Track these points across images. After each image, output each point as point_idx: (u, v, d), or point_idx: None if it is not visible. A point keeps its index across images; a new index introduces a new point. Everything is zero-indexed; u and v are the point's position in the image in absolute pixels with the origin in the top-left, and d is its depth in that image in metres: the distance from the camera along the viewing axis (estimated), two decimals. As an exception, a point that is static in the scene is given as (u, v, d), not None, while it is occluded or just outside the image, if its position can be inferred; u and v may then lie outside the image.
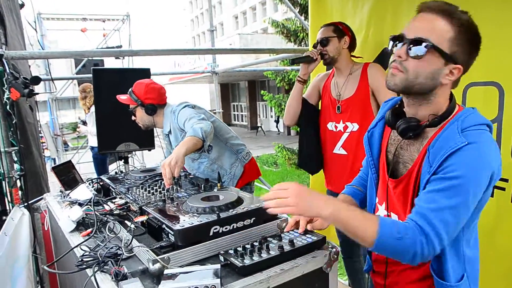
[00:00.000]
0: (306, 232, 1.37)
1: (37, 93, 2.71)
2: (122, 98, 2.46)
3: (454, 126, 1.11)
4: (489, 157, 1.07)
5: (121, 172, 2.36)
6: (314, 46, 2.40)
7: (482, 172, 1.06)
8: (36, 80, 2.53)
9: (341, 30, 2.37)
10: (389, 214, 1.31)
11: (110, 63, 8.93)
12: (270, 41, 19.64)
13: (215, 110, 5.51)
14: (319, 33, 2.40)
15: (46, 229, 2.37)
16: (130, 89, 2.45)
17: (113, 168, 4.75)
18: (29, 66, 3.88)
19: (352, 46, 2.40)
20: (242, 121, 30.01)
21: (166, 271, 1.14)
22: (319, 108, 2.56)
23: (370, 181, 1.43)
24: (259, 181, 4.64)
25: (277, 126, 25.58)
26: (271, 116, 26.19)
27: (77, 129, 6.56)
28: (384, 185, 1.34)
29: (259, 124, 26.09)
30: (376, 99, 2.30)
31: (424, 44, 1.09)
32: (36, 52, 2.89)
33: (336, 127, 2.40)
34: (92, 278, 1.18)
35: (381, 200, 1.36)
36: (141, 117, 2.49)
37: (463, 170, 1.05)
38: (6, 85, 2.52)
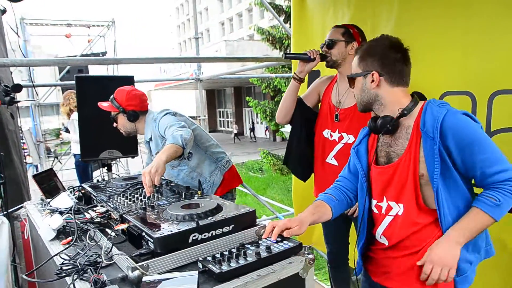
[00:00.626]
0: (283, 238, 1.41)
1: (18, 101, 2.70)
2: (104, 105, 2.48)
3: (430, 106, 1.45)
4: (460, 111, 1.42)
5: (103, 180, 2.36)
6: (321, 46, 2.28)
7: (471, 121, 1.40)
8: (18, 88, 2.52)
9: (350, 34, 2.23)
10: (388, 203, 1.55)
11: (95, 68, 8.87)
12: (256, 48, 19.76)
13: (199, 116, 5.54)
14: (328, 34, 2.28)
15: (26, 237, 2.35)
16: (111, 96, 2.46)
17: (97, 175, 4.73)
18: (11, 72, 3.85)
19: None
20: (228, 127, 30.04)
21: (144, 278, 1.16)
22: (317, 111, 2.43)
23: (362, 190, 1.64)
24: (243, 187, 4.67)
25: (251, 133, 25.81)
26: (257, 122, 26.34)
27: (60, 136, 6.51)
28: (381, 183, 1.56)
29: (235, 131, 26.22)
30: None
31: (349, 76, 1.63)
32: (18, 60, 2.88)
33: (331, 135, 2.29)
34: (71, 286, 1.19)
35: (380, 198, 1.58)
36: (123, 123, 2.51)
37: (465, 131, 1.37)
38: (-14, 93, 2.50)
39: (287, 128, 11.92)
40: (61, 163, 7.95)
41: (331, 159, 2.28)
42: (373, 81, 1.51)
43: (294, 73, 2.33)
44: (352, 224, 2.44)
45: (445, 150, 1.38)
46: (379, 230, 1.58)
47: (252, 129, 26.12)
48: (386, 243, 1.56)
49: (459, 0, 2.10)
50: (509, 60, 1.92)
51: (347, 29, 2.24)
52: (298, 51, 3.27)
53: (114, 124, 2.53)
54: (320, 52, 2.26)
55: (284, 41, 10.74)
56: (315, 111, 2.43)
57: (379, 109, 1.55)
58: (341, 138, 2.24)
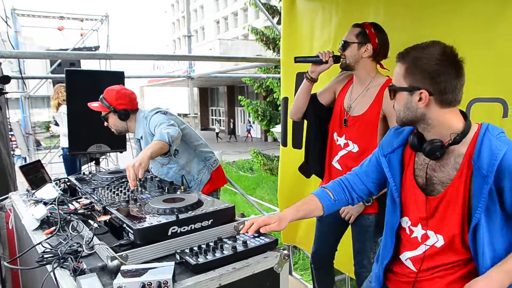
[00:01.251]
0: (260, 234, 1.45)
1: (7, 92, 2.72)
2: (94, 105, 2.50)
3: (489, 137, 1.27)
4: None
5: (89, 173, 2.40)
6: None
7: None
8: (6, 79, 2.54)
9: (365, 35, 2.07)
10: (425, 232, 1.41)
11: (87, 62, 8.84)
12: (250, 48, 19.78)
13: (189, 114, 5.57)
14: (346, 34, 2.16)
15: (10, 228, 2.37)
16: (101, 96, 2.50)
17: (85, 169, 4.75)
18: (0, 63, 3.85)
19: (378, 55, 2.10)
20: (220, 125, 30.08)
21: (123, 267, 1.21)
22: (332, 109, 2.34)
23: (393, 206, 1.49)
24: (232, 186, 4.72)
25: (233, 133, 25.93)
26: (248, 121, 26.44)
27: (49, 129, 6.49)
28: (419, 206, 1.41)
29: (217, 130, 26.48)
30: (387, 124, 2.06)
31: (391, 88, 1.40)
32: (7, 51, 2.89)
33: (337, 139, 2.21)
34: (52, 273, 1.23)
35: (416, 222, 1.44)
36: (114, 122, 2.54)
37: None
38: (-25, 84, 2.52)
39: (278, 129, 11.99)
40: (32, 157, 7.88)
41: (335, 163, 2.23)
42: (420, 99, 1.30)
43: (307, 72, 2.24)
44: (349, 228, 2.34)
45: (497, 190, 1.24)
46: (407, 254, 1.47)
47: (233, 129, 26.35)
48: (414, 269, 1.45)
49: (444, 6, 2.16)
50: (487, 69, 1.99)
51: (363, 29, 2.08)
52: (287, 54, 3.35)
53: (105, 124, 2.56)
54: (335, 53, 2.16)
55: (277, 42, 10.80)
56: (330, 107, 2.32)
57: (425, 129, 1.36)
58: (346, 145, 2.17)
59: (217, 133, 26.11)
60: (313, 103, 2.31)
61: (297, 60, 2.25)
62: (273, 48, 11.29)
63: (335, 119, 2.25)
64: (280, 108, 3.68)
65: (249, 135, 26.22)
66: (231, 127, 26.95)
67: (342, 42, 2.13)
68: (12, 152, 4.11)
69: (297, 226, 3.41)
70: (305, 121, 2.45)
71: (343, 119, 2.18)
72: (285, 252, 1.41)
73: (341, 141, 2.19)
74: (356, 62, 2.11)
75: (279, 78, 3.59)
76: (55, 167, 7.35)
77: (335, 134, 2.24)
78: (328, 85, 2.36)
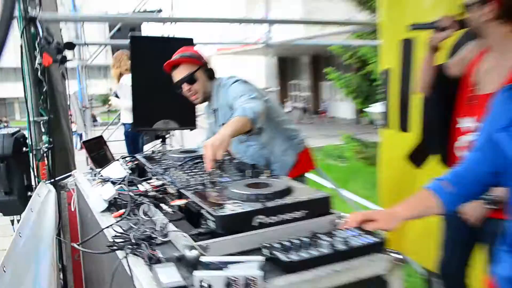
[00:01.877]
0: (363, 232, 1.42)
1: (69, 60, 2.94)
2: (182, 57, 2.51)
3: None
4: None
5: (158, 151, 2.52)
6: None
7: None
8: (70, 45, 2.75)
9: None
10: None
11: (147, 28, 9.24)
12: (340, 11, 19.32)
13: (270, 88, 5.61)
14: None
15: (72, 209, 2.58)
16: (177, 55, 2.53)
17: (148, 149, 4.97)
18: (60, 29, 4.16)
19: (509, 16, 1.94)
20: (295, 103, 30.01)
21: (203, 259, 1.25)
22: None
23: None
24: (319, 175, 4.69)
25: (304, 115, 25.77)
26: (338, 99, 26.06)
27: (108, 102, 6.87)
28: None
29: (289, 109, 26.46)
30: None
31: None
32: (71, 15, 3.13)
33: (461, 121, 2.17)
34: (124, 260, 1.32)
35: None
36: (203, 83, 2.56)
37: None
38: (38, 50, 2.76)
39: (374, 108, 11.68)
40: (88, 134, 8.37)
41: (457, 149, 2.19)
42: None
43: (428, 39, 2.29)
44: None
45: None
46: None
47: (305, 110, 26.32)
48: None
49: None
50: None
51: None
52: (388, 15, 3.23)
53: (186, 88, 2.53)
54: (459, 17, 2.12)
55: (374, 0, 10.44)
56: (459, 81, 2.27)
57: None
58: (472, 128, 2.07)
59: (289, 112, 26.18)
60: (438, 76, 2.31)
61: (414, 27, 2.32)
62: (369, 7, 10.92)
63: (460, 97, 2.21)
64: (376, 82, 3.58)
65: (323, 115, 26.01)
66: (305, 107, 26.91)
67: (464, 4, 2.05)
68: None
69: (406, 228, 3.30)
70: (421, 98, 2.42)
71: (469, 97, 2.13)
72: (399, 256, 1.36)
73: (463, 123, 2.14)
74: (481, 27, 2.01)
75: (376, 46, 3.47)
76: (113, 146, 7.85)
77: (459, 114, 2.19)
78: (459, 54, 2.33)
